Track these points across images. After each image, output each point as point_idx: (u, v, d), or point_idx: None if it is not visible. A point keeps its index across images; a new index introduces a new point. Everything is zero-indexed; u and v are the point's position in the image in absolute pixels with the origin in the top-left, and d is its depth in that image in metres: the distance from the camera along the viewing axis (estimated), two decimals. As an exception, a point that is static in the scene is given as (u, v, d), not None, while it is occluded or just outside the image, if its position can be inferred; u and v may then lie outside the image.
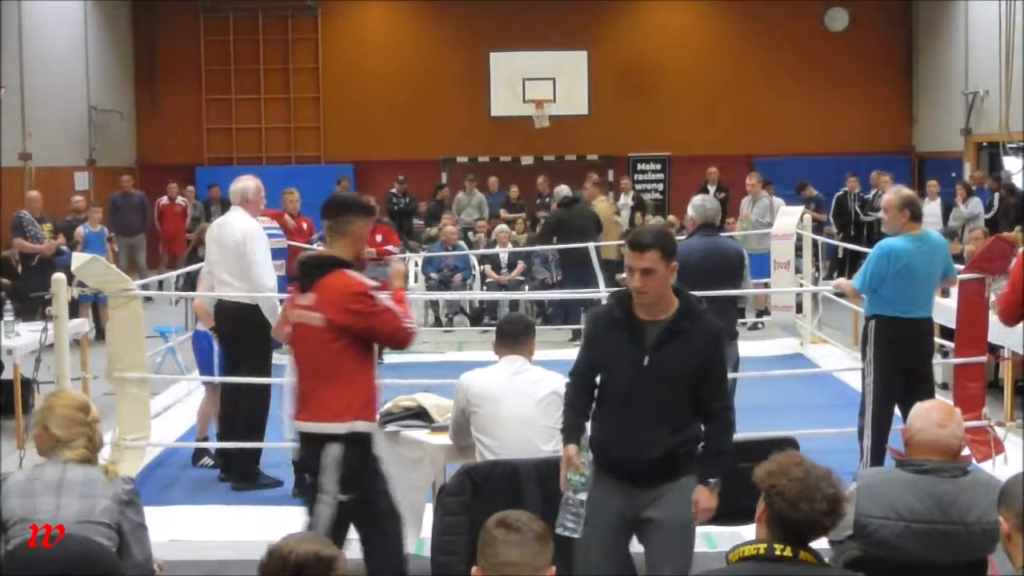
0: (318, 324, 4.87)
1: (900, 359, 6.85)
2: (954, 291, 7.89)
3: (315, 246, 12.91)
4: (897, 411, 6.84)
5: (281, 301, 7.81)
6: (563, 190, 14.40)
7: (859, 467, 6.78)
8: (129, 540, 4.02)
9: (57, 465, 4.03)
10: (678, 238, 10.55)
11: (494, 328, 14.14)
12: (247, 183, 8.06)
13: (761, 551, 3.32)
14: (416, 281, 14.56)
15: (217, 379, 8.12)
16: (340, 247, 4.99)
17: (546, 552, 3.16)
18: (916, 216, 6.95)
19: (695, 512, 4.37)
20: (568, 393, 4.63)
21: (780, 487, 3.33)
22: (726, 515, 4.72)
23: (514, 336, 5.50)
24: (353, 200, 5.30)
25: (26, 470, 4.16)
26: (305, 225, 13.44)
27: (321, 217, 5.19)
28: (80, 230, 13.80)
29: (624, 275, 4.67)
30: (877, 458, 6.73)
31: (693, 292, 7.31)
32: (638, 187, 19.99)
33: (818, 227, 15.54)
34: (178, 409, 9.72)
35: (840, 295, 12.05)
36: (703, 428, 4.51)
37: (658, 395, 4.36)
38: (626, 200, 18.24)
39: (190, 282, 9.78)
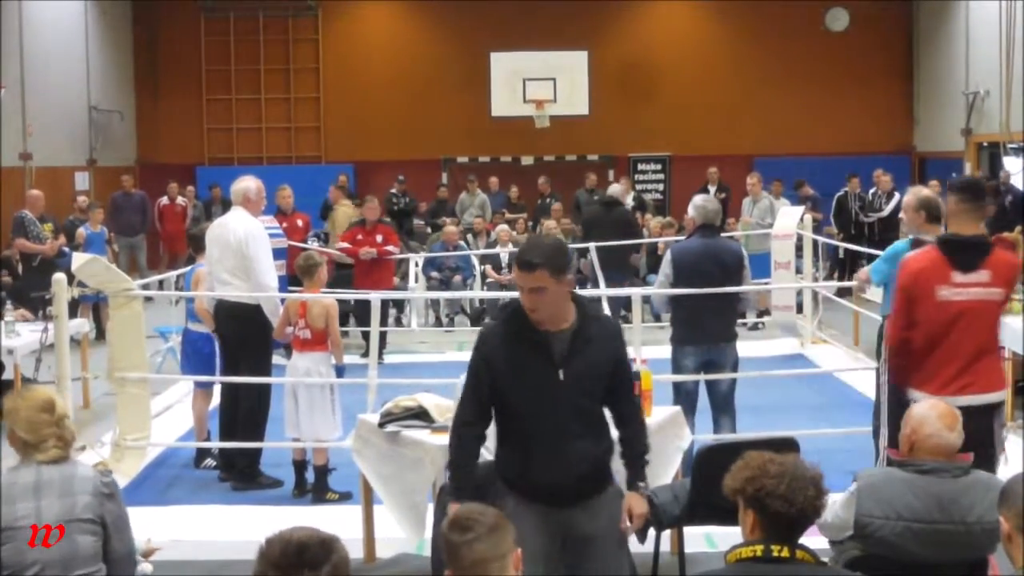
0: (997, 299, 5.36)
1: None
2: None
3: (310, 243, 12.94)
4: None
5: (282, 301, 7.83)
6: (613, 189, 14.42)
7: (876, 465, 6.77)
8: (111, 532, 4.00)
9: (31, 467, 3.95)
10: (678, 238, 10.62)
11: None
12: (248, 183, 8.06)
13: (758, 552, 3.31)
14: (416, 281, 14.56)
15: (217, 379, 8.12)
16: (975, 226, 5.44)
17: (506, 538, 3.16)
18: (933, 217, 6.87)
19: (630, 519, 4.23)
20: (457, 447, 4.28)
21: (768, 487, 3.30)
22: (726, 515, 4.71)
23: None
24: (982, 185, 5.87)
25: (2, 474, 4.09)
26: (300, 222, 13.43)
27: (953, 196, 5.52)
28: (81, 230, 13.81)
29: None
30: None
31: (693, 292, 7.40)
32: (638, 187, 19.99)
33: (816, 227, 15.53)
34: (178, 409, 9.72)
35: (841, 293, 12.12)
36: (620, 433, 4.38)
37: (577, 407, 4.18)
38: (627, 200, 18.19)
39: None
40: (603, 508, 4.26)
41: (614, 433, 4.42)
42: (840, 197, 16.92)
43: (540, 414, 4.18)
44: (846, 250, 15.71)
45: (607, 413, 4.39)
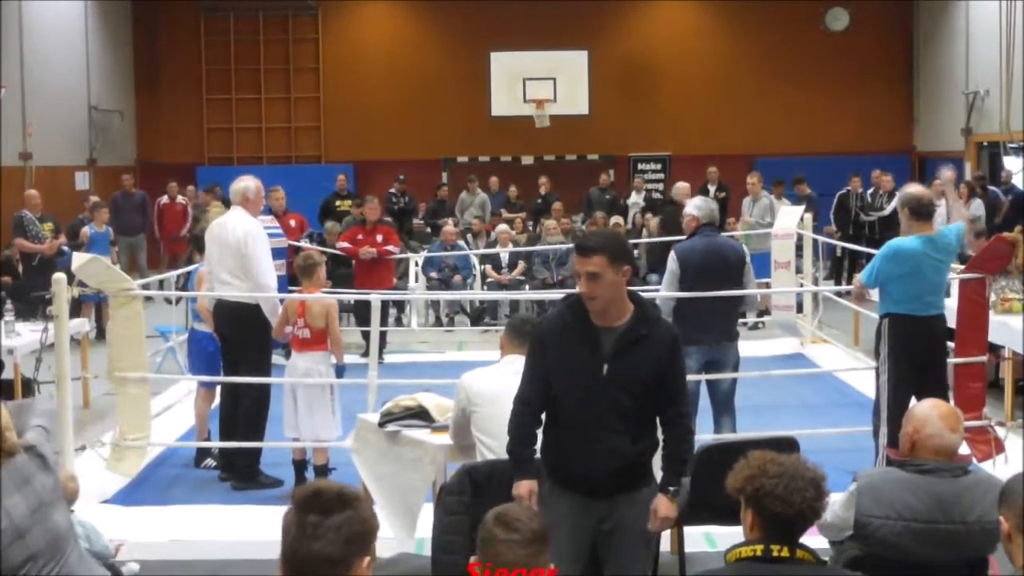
0: None
1: (912, 356, 6.85)
2: (954, 291, 7.89)
3: (303, 243, 12.93)
4: None
5: (282, 301, 7.83)
6: (675, 189, 14.41)
7: (875, 464, 6.78)
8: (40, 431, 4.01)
9: None
10: (679, 238, 10.61)
11: (494, 328, 14.20)
12: (248, 183, 8.06)
13: (758, 552, 3.31)
14: (416, 281, 14.56)
15: (217, 379, 8.12)
16: None
17: (544, 551, 3.18)
18: (917, 214, 6.88)
19: (654, 521, 4.29)
20: (517, 423, 4.40)
21: (767, 487, 3.31)
22: (726, 515, 4.71)
23: (526, 336, 5.42)
24: None
25: None
26: (294, 222, 13.42)
27: None
28: (86, 230, 13.81)
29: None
30: None
31: (695, 293, 7.39)
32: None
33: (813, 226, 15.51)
34: (178, 409, 9.72)
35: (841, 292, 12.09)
36: (663, 436, 4.41)
37: (617, 404, 4.23)
38: (636, 199, 18.20)
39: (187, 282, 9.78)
40: (634, 505, 4.32)
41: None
42: (842, 196, 16.90)
43: (581, 406, 4.25)
44: (844, 250, 15.70)
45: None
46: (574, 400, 4.26)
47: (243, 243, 7.74)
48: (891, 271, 6.82)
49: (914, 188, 7.11)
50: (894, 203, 16.09)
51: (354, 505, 2.80)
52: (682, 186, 14.41)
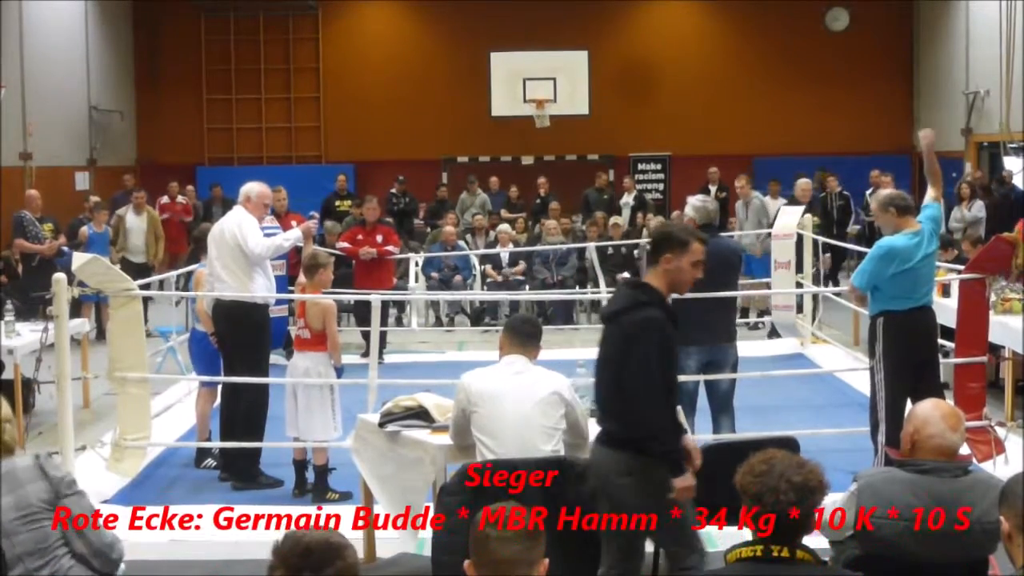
0: None
1: (910, 352, 6.84)
2: (954, 291, 7.89)
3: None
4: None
5: (280, 302, 7.83)
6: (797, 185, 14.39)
7: (873, 464, 6.78)
8: (68, 502, 4.07)
9: None
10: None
11: (494, 328, 14.18)
12: (251, 185, 8.18)
13: (758, 552, 3.32)
14: (416, 281, 14.56)
15: (217, 379, 8.13)
16: None
17: (538, 547, 3.16)
18: (903, 209, 6.90)
19: None
20: (669, 419, 4.79)
21: (745, 484, 3.34)
22: (726, 515, 4.72)
23: (525, 336, 5.48)
24: None
25: None
26: (295, 223, 13.38)
27: None
28: (84, 229, 13.81)
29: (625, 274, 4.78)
30: None
31: (694, 294, 7.38)
32: (639, 187, 19.95)
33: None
34: (178, 409, 9.72)
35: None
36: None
37: None
38: (628, 199, 18.20)
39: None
40: None
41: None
42: (821, 199, 16.80)
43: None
44: (833, 251, 15.64)
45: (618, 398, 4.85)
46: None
47: (235, 234, 7.82)
48: (884, 270, 6.81)
49: (886, 191, 7.19)
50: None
51: (342, 553, 2.90)
52: (803, 183, 14.34)
